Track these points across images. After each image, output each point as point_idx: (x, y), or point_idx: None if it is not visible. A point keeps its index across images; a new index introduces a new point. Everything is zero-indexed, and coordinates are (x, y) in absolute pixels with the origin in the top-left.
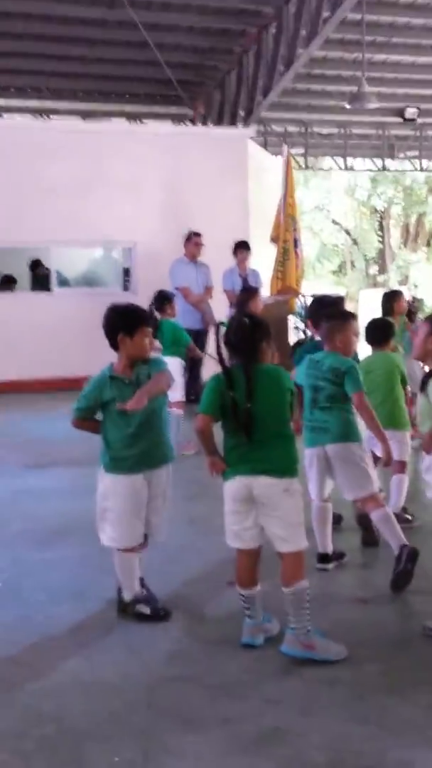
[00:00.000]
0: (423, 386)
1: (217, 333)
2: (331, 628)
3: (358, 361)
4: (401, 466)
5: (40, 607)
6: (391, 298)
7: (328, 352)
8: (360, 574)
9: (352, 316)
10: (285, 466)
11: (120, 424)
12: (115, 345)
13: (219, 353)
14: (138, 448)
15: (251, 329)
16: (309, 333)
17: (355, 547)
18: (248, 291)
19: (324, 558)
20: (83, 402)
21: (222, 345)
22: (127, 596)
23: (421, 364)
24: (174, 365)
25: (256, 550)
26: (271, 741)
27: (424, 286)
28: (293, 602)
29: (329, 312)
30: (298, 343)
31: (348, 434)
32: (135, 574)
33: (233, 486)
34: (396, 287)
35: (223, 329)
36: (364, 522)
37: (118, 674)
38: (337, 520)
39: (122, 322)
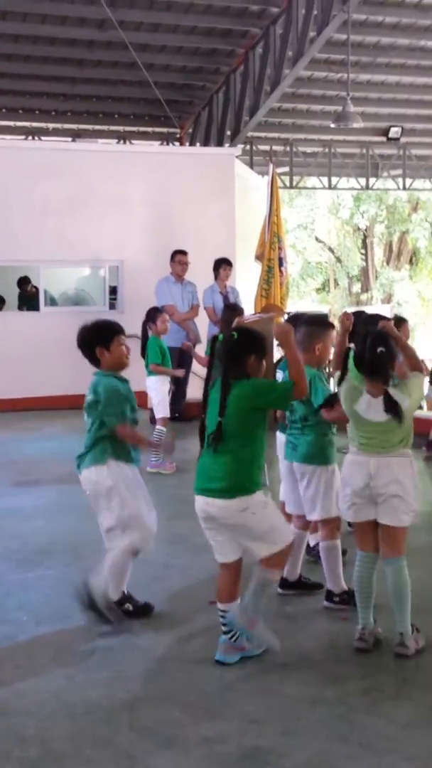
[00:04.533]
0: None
1: (212, 347)
2: (312, 646)
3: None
4: None
5: (23, 627)
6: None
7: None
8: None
9: (332, 325)
10: (236, 486)
11: None
12: (95, 360)
13: (209, 367)
14: None
15: (235, 344)
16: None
17: None
18: (233, 309)
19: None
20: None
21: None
22: (116, 596)
23: None
24: (158, 383)
25: (236, 564)
26: (252, 760)
27: (407, 304)
28: (258, 583)
29: (310, 318)
30: (280, 361)
31: (308, 456)
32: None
33: (196, 504)
34: (379, 305)
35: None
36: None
37: (100, 694)
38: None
39: (97, 336)
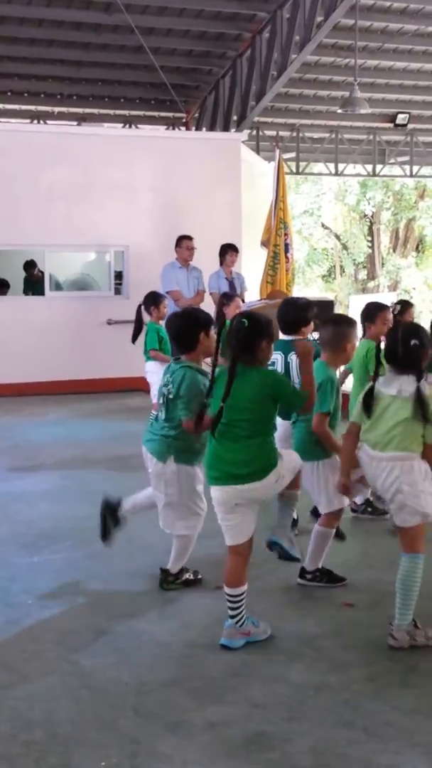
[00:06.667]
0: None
1: (219, 333)
2: (317, 632)
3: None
4: None
5: (28, 611)
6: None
7: (320, 363)
8: (347, 577)
9: (355, 322)
10: (267, 465)
11: None
12: (189, 345)
13: (215, 353)
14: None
15: (247, 330)
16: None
17: (342, 550)
18: (228, 297)
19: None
20: None
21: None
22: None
23: None
24: (156, 368)
25: (246, 547)
26: (257, 745)
27: (414, 291)
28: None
29: (338, 317)
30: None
31: (304, 452)
32: None
33: (219, 495)
34: (386, 293)
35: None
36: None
37: (105, 679)
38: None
39: (200, 321)
